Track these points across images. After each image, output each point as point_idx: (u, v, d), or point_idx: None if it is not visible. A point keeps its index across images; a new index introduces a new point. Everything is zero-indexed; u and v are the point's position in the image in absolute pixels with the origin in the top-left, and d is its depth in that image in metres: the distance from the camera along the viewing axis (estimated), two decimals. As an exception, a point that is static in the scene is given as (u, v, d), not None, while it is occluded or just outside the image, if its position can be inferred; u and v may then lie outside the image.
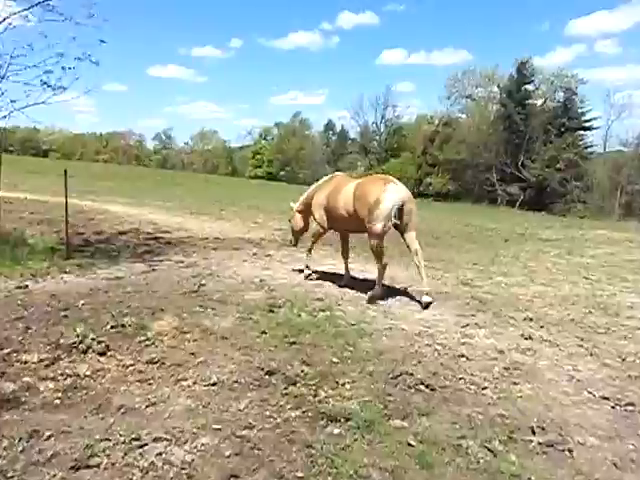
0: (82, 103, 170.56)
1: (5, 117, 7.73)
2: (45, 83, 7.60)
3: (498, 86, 50.33)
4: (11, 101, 7.60)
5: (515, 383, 4.15)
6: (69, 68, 7.96)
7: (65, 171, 8.16)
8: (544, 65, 56.25)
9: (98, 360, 3.89)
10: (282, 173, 63.92)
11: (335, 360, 4.33)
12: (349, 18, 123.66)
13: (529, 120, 46.17)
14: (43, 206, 14.83)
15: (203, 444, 2.85)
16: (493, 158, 46.45)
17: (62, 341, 4.14)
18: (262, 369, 4.02)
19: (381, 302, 6.51)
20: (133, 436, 2.84)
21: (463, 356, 4.67)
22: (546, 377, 4.35)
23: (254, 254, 9.71)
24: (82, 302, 5.47)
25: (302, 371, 4.02)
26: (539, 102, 49.05)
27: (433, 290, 7.36)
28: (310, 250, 7.83)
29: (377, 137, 63.11)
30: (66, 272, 7.10)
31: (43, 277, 6.68)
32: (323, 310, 5.89)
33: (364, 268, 8.83)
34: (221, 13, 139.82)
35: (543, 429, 3.40)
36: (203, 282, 6.98)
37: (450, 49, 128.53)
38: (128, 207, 17.09)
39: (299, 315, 5.62)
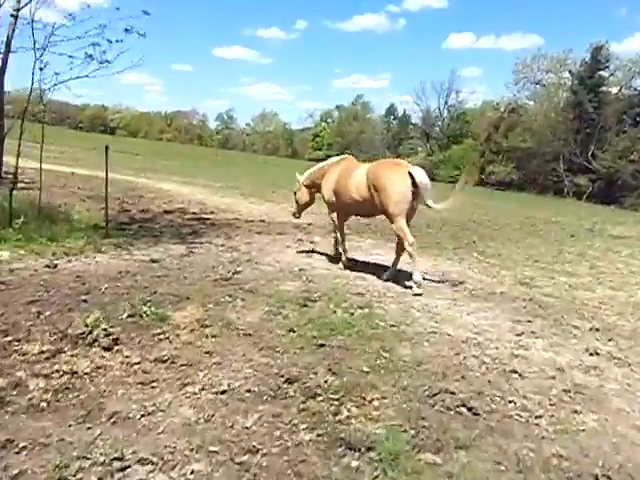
0: (150, 82, 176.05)
1: (49, 90, 7.58)
2: (90, 56, 7.38)
3: (570, 72, 47.18)
4: (55, 73, 7.43)
5: (576, 412, 3.49)
6: (115, 41, 7.70)
7: (106, 147, 8.00)
8: (620, 51, 52.07)
9: (102, 355, 3.57)
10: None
11: (366, 369, 3.82)
12: (416, 0, 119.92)
13: (602, 108, 42.96)
14: (96, 182, 15.00)
15: (194, 471, 2.43)
16: (561, 147, 43.69)
17: (70, 331, 3.85)
18: (281, 376, 3.57)
19: (426, 301, 5.91)
20: (116, 455, 2.46)
21: (515, 372, 4.04)
22: (614, 405, 3.66)
23: (298, 240, 9.29)
24: (106, 286, 5.21)
25: (326, 381, 3.54)
26: (614, 90, 45.61)
27: (486, 289, 6.69)
28: (342, 240, 7.39)
29: (439, 123, 61.13)
30: (101, 252, 6.92)
31: (76, 256, 6.52)
32: (362, 307, 5.37)
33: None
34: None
35: (609, 478, 2.77)
36: (239, 268, 6.61)
37: (519, 33, 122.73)
38: (181, 186, 17.13)
39: (334, 312, 5.13)
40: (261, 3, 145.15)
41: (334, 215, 7.37)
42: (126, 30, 7.78)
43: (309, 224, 11.16)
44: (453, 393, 3.53)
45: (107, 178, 8.36)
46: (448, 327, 5.02)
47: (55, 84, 7.54)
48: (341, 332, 4.53)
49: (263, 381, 3.47)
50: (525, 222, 15.98)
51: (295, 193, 8.16)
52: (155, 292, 5.21)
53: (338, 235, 7.44)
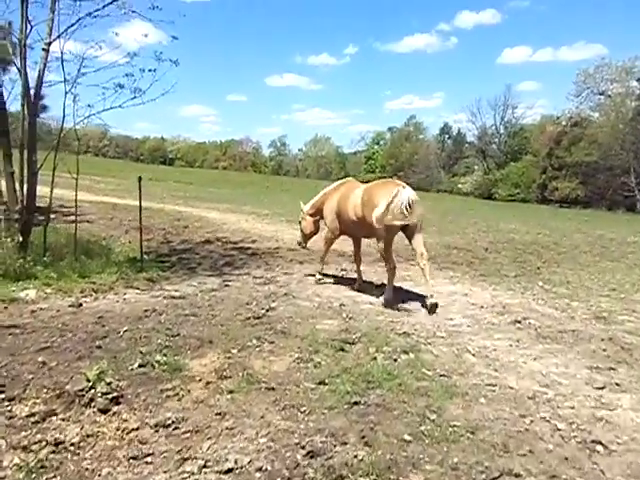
0: (205, 113, 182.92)
1: (83, 122, 7.46)
2: (119, 85, 7.21)
3: (638, 80, 44.42)
4: (88, 105, 7.30)
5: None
6: (149, 70, 7.51)
7: (139, 178, 7.77)
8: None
9: (95, 420, 3.07)
10: (395, 178, 62.33)
11: (407, 437, 3.13)
12: (468, 18, 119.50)
13: (675, 116, 40.06)
14: (147, 213, 15.05)
15: None
16: (631, 159, 40.94)
17: (69, 386, 3.40)
18: (302, 447, 2.95)
19: (483, 342, 5.12)
20: None
21: (599, 444, 3.21)
22: None
23: (342, 270, 8.69)
24: (126, 328, 4.80)
25: (356, 456, 2.88)
26: (687, 96, 42.45)
27: (555, 326, 5.80)
28: (323, 257, 7.73)
29: (496, 140, 59.11)
30: (132, 287, 6.60)
31: (105, 293, 6.21)
32: (407, 351, 4.67)
33: (469, 288, 7.42)
34: (337, 21, 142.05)
35: None
36: (273, 304, 6.09)
37: (581, 43, 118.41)
38: (228, 214, 16.98)
39: (374, 358, 4.47)
40: (312, 31, 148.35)
41: (328, 234, 7.48)
42: (158, 59, 7.61)
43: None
44: (519, 476, 2.78)
45: (141, 210, 8.09)
46: (510, 377, 4.23)
47: (88, 116, 7.39)
48: (380, 385, 3.86)
49: (279, 455, 2.86)
50: (596, 243, 14.61)
51: (300, 222, 8.10)
52: (177, 335, 4.75)
53: (323, 255, 7.70)
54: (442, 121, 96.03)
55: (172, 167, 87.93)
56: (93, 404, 3.21)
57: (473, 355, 4.75)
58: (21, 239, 6.77)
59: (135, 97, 7.50)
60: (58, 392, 3.35)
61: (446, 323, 5.78)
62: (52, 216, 13.74)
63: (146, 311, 5.50)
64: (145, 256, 8.78)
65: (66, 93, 7.07)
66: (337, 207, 7.07)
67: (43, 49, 6.74)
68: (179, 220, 14.07)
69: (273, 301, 6.28)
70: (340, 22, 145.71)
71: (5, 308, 5.33)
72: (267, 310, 5.82)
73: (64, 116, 7.29)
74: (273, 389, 3.72)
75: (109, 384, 3.45)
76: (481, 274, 8.91)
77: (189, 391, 3.58)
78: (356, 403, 3.54)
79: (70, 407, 3.18)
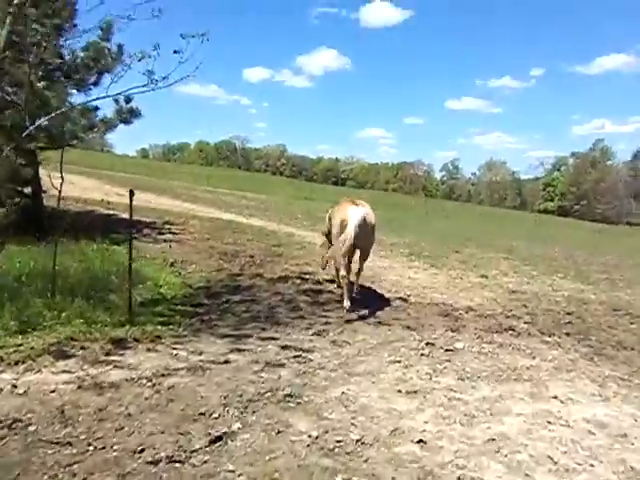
0: (383, 135, 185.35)
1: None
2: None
3: None
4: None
5: None
6: (174, 52, 5.58)
7: (130, 192, 5.73)
8: None
9: None
10: (576, 207, 53.86)
11: None
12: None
13: None
14: (260, 235, 13.39)
15: None
16: None
17: None
18: None
19: None
20: None
21: None
22: None
23: (429, 344, 5.57)
24: (62, 434, 2.67)
25: None
26: None
27: None
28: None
29: None
30: (129, 348, 4.71)
31: (92, 360, 4.29)
32: None
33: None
34: (522, 43, 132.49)
35: None
36: (237, 425, 3.46)
37: None
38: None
39: None
40: (493, 54, 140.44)
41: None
42: (183, 38, 5.69)
43: (469, 309, 7.19)
44: None
45: (131, 240, 6.08)
46: None
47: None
48: None
49: None
50: None
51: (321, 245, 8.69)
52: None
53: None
54: (636, 147, 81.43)
55: (343, 187, 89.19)
56: None
57: None
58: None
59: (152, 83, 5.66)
60: None
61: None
62: (147, 231, 12.98)
63: (62, 410, 3.34)
64: (190, 290, 7.05)
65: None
66: (328, 225, 7.74)
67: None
68: (279, 246, 12.04)
69: (254, 411, 3.65)
70: (525, 45, 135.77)
71: None
72: (215, 441, 3.21)
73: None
74: None
75: None
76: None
77: None
78: None
79: None
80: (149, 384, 4.01)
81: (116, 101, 11.18)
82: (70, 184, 24.59)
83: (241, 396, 3.92)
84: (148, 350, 4.88)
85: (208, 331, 5.66)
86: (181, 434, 3.25)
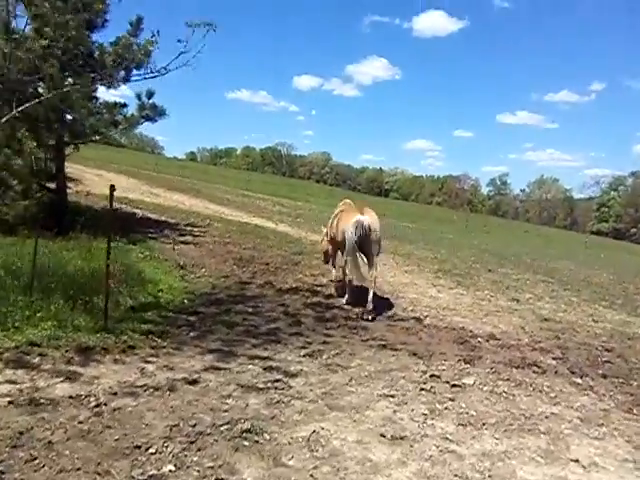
0: (431, 147, 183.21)
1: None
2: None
3: None
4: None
5: None
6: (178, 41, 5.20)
7: (111, 187, 5.27)
8: None
9: None
10: (633, 231, 50.66)
11: None
12: None
13: None
14: (283, 241, 12.91)
15: None
16: None
17: None
18: None
19: None
20: None
21: None
22: None
23: (430, 377, 4.80)
24: None
25: None
26: None
27: None
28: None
29: None
30: (94, 358, 4.28)
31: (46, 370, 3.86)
32: None
33: None
34: (583, 56, 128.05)
35: None
36: (165, 469, 2.88)
37: None
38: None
39: None
40: (550, 68, 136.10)
41: (330, 248, 8.46)
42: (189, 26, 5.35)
43: (491, 336, 6.36)
44: None
45: (110, 241, 5.62)
46: None
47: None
48: None
49: None
50: None
51: (321, 242, 9.02)
52: None
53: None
54: None
55: (386, 198, 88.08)
56: None
57: None
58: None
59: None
60: None
61: None
62: (168, 232, 12.67)
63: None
64: (192, 296, 6.64)
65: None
66: (332, 227, 7.96)
67: None
68: (300, 254, 11.46)
69: (199, 449, 3.07)
70: (585, 57, 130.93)
71: None
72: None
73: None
74: None
75: None
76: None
77: None
78: None
79: None
80: (93, 404, 3.49)
81: (138, 97, 11.04)
82: (107, 181, 24.96)
83: (194, 426, 3.35)
84: (115, 362, 4.41)
85: (192, 343, 5.15)
86: (98, 474, 2.70)
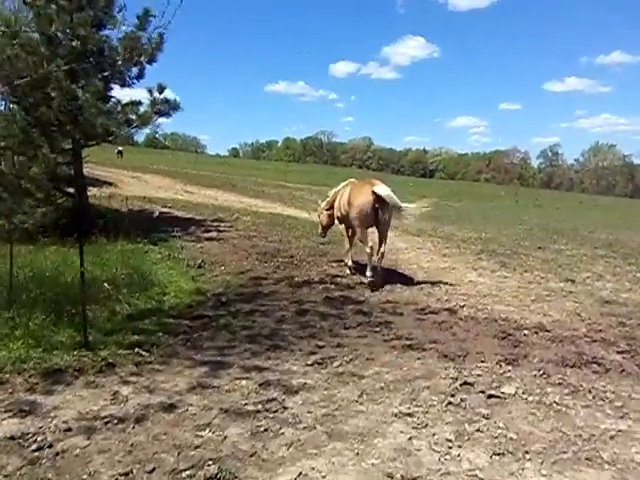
0: (476, 124, 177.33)
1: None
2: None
3: None
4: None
5: None
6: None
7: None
8: None
9: None
10: None
11: None
12: None
13: None
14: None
15: None
16: None
17: None
18: None
19: None
20: None
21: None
22: None
23: (462, 385, 3.93)
24: None
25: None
26: None
27: None
28: (348, 250, 8.24)
29: None
30: (63, 382, 3.69)
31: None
32: None
33: None
34: (632, 15, 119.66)
35: None
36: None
37: None
38: (409, 236, 12.71)
39: None
40: (600, 28, 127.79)
41: (342, 227, 8.36)
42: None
43: (540, 327, 5.35)
44: None
45: (81, 249, 5.03)
46: None
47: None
48: None
49: None
50: None
51: (319, 216, 9.20)
52: None
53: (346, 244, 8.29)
54: None
55: (431, 179, 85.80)
56: None
57: None
58: None
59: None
60: None
61: None
62: (192, 229, 12.18)
63: None
64: (201, 297, 6.15)
65: None
66: (339, 203, 7.91)
67: None
68: (328, 244, 10.68)
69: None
70: (636, 15, 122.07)
71: None
72: None
73: None
74: None
75: None
76: None
77: None
78: None
79: None
80: (33, 447, 2.89)
81: (149, 91, 10.51)
82: (143, 182, 24.89)
83: (151, 472, 2.68)
84: (86, 385, 3.81)
85: (184, 355, 4.52)
86: None
